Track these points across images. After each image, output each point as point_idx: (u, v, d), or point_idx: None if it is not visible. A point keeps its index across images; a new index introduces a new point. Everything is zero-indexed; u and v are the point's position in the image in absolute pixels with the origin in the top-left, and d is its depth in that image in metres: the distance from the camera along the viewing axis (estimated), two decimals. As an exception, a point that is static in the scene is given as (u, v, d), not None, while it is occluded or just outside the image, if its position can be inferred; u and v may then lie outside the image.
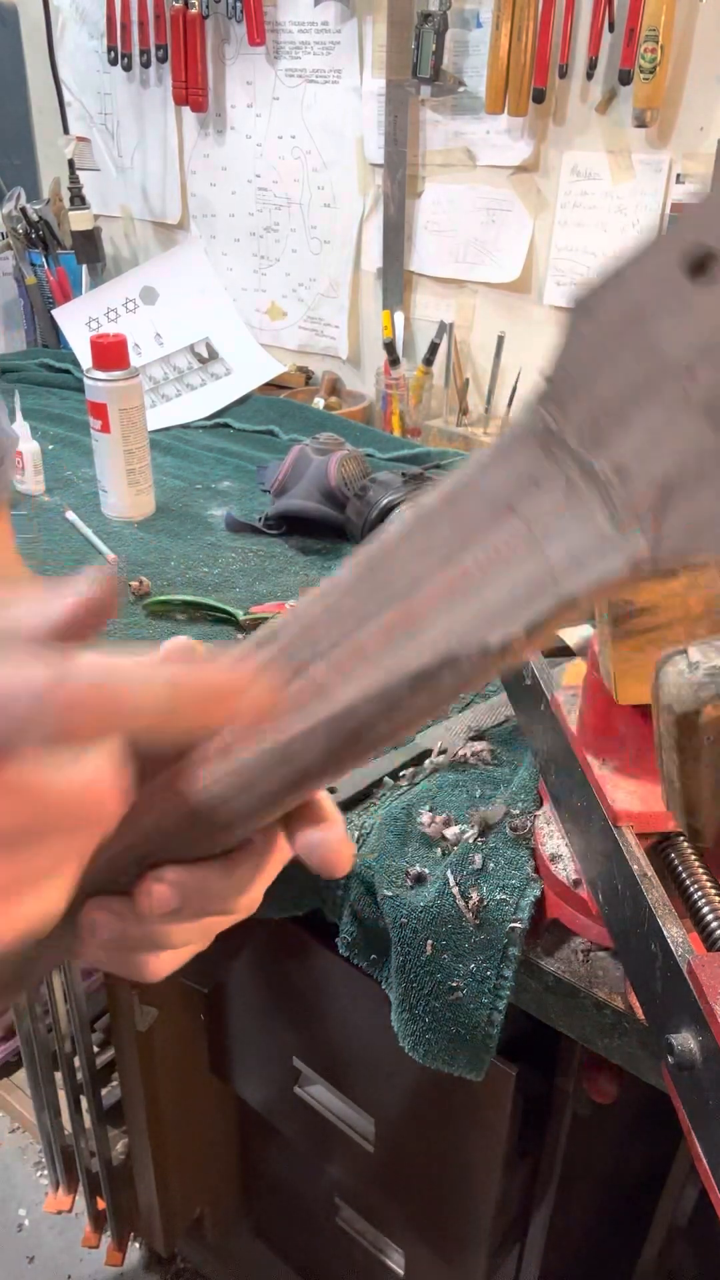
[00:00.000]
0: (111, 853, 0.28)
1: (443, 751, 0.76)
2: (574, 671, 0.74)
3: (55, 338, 1.77)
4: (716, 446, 0.24)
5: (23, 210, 1.74)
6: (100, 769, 0.24)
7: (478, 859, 0.64)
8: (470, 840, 0.66)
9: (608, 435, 0.25)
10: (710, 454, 0.24)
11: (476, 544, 0.26)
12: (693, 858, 0.52)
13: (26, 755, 0.22)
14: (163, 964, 0.32)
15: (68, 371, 1.70)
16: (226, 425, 1.55)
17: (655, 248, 0.24)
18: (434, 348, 1.48)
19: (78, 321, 1.68)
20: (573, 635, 0.73)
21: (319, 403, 1.60)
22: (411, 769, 0.76)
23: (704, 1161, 0.41)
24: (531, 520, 0.26)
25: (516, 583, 0.26)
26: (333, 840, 0.31)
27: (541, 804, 0.69)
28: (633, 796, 0.53)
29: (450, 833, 0.68)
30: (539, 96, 1.27)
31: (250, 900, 0.31)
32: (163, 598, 1.00)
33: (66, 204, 1.73)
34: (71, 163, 1.72)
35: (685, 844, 0.53)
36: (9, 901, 0.25)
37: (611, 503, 0.25)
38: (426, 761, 0.76)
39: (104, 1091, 1.34)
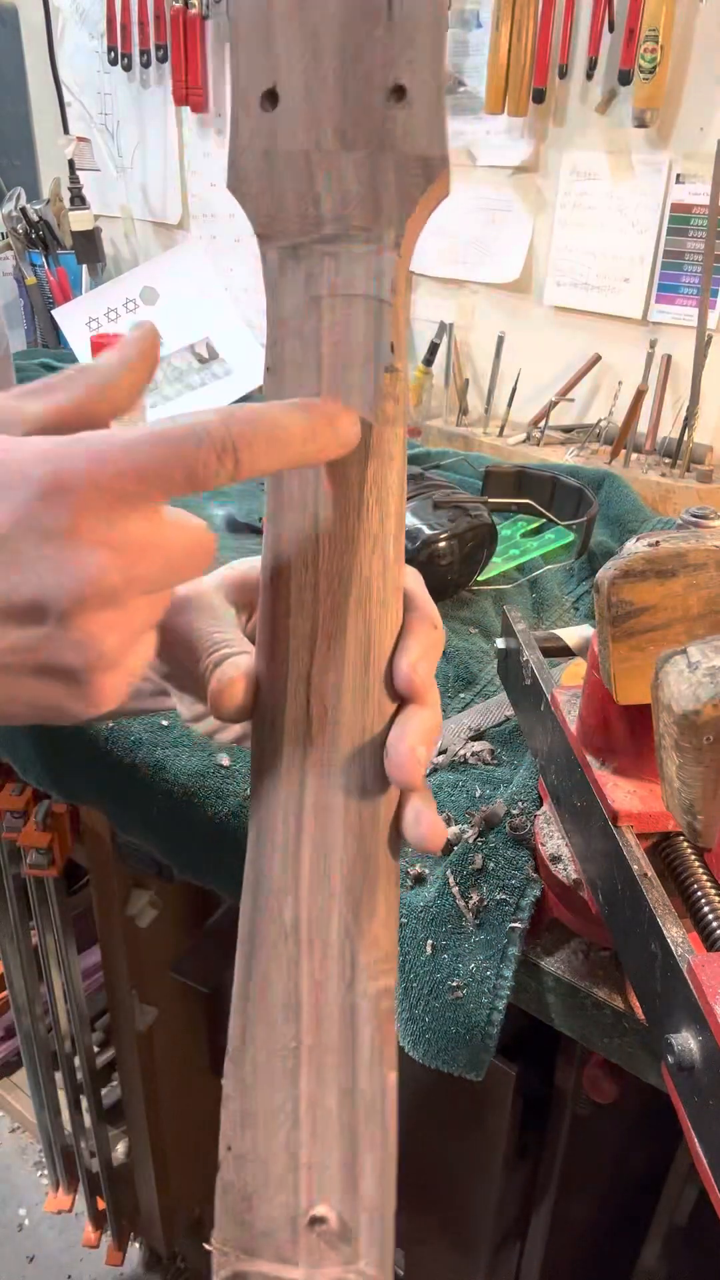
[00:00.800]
0: None
1: (443, 751, 0.76)
2: (574, 671, 0.74)
3: (55, 338, 1.77)
4: None
5: (23, 210, 1.74)
6: (201, 526, 0.31)
7: (478, 859, 0.64)
8: (470, 840, 0.66)
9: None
10: None
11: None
12: (693, 858, 0.52)
13: (161, 512, 0.29)
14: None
15: (68, 371, 1.70)
16: (226, 425, 1.55)
17: None
18: (434, 348, 1.48)
19: (78, 322, 1.67)
20: (573, 635, 0.73)
21: (319, 403, 1.59)
22: (411, 769, 0.76)
23: (704, 1161, 0.41)
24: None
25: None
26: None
27: (541, 804, 0.69)
28: (633, 796, 0.53)
29: (450, 833, 0.68)
30: (539, 96, 1.27)
31: None
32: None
33: (66, 204, 1.73)
34: (71, 163, 1.72)
35: (685, 844, 0.53)
36: (144, 641, 0.31)
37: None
38: (426, 761, 0.76)
39: (104, 1091, 1.34)
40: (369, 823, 0.34)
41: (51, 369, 1.71)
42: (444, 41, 0.31)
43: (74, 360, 1.68)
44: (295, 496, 0.34)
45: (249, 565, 0.43)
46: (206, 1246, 0.33)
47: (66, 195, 1.73)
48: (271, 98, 0.32)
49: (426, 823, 0.34)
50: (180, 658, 0.39)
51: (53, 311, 1.72)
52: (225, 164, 0.33)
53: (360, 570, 0.33)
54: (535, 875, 0.63)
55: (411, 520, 0.96)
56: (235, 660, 0.36)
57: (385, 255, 0.32)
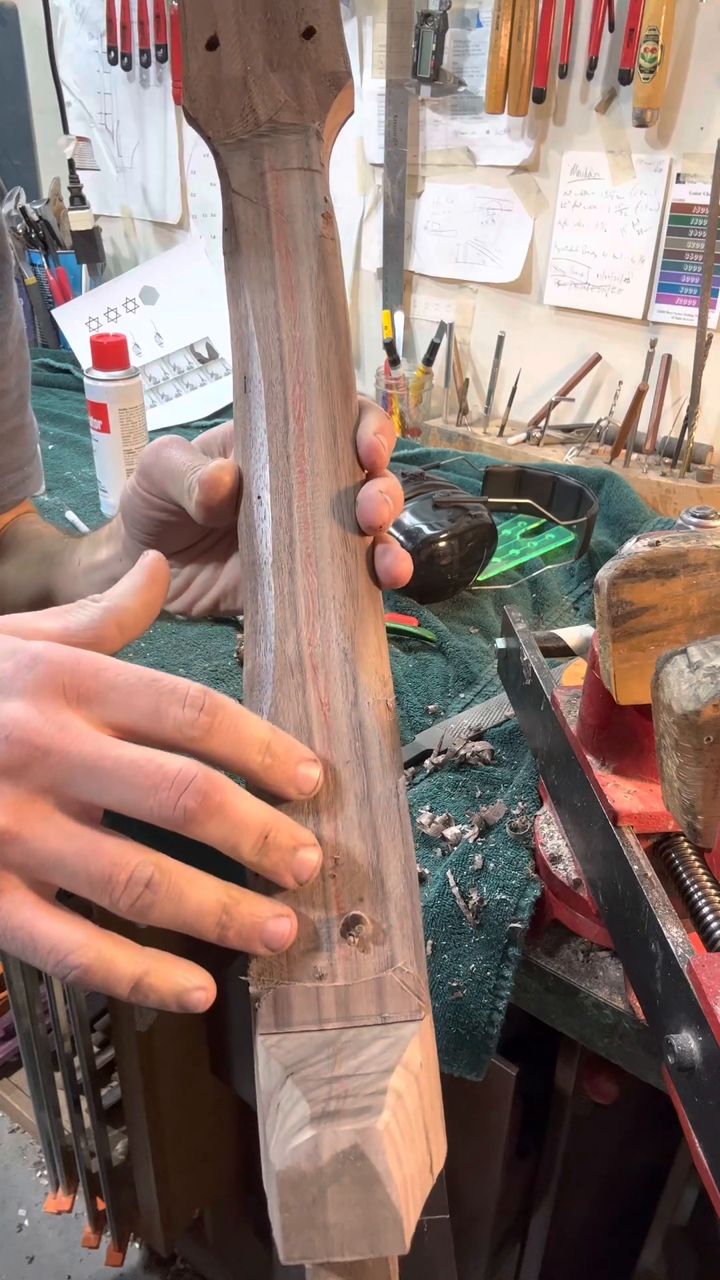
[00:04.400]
0: None
1: (443, 751, 0.76)
2: (574, 671, 0.74)
3: (55, 338, 1.77)
4: None
5: (23, 210, 1.74)
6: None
7: (478, 859, 0.64)
8: (470, 840, 0.66)
9: None
10: None
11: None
12: (693, 858, 0.52)
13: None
14: None
15: (68, 371, 1.70)
16: (226, 425, 1.55)
17: None
18: (434, 348, 1.48)
19: (78, 321, 1.67)
20: (573, 635, 0.73)
21: (319, 403, 1.59)
22: (411, 769, 0.76)
23: (704, 1161, 0.41)
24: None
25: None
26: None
27: (541, 804, 0.69)
28: (633, 796, 0.53)
29: (450, 833, 0.68)
30: (539, 96, 1.27)
31: None
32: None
33: (66, 204, 1.73)
34: (71, 163, 1.72)
35: (685, 844, 0.53)
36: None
37: None
38: (426, 761, 0.76)
39: (104, 1091, 1.34)
40: (352, 566, 0.39)
41: (52, 369, 1.71)
42: None
43: (74, 360, 1.68)
44: (258, 312, 0.42)
45: (220, 429, 0.49)
46: (242, 978, 0.33)
47: (66, 195, 1.73)
48: (212, 43, 0.44)
49: (391, 556, 0.40)
50: (168, 492, 0.46)
51: (52, 311, 1.72)
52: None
53: (320, 364, 0.41)
54: (535, 875, 0.63)
55: (412, 520, 0.96)
56: (218, 463, 0.42)
57: (311, 140, 0.43)
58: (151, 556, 0.36)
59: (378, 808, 0.35)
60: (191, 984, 0.31)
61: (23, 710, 0.30)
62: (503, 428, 1.42)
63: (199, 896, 0.30)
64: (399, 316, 1.52)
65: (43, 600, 0.65)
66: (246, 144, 0.43)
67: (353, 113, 0.46)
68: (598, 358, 1.36)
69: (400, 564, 0.39)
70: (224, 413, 1.58)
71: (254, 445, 0.41)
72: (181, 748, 0.31)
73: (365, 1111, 0.28)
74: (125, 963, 0.30)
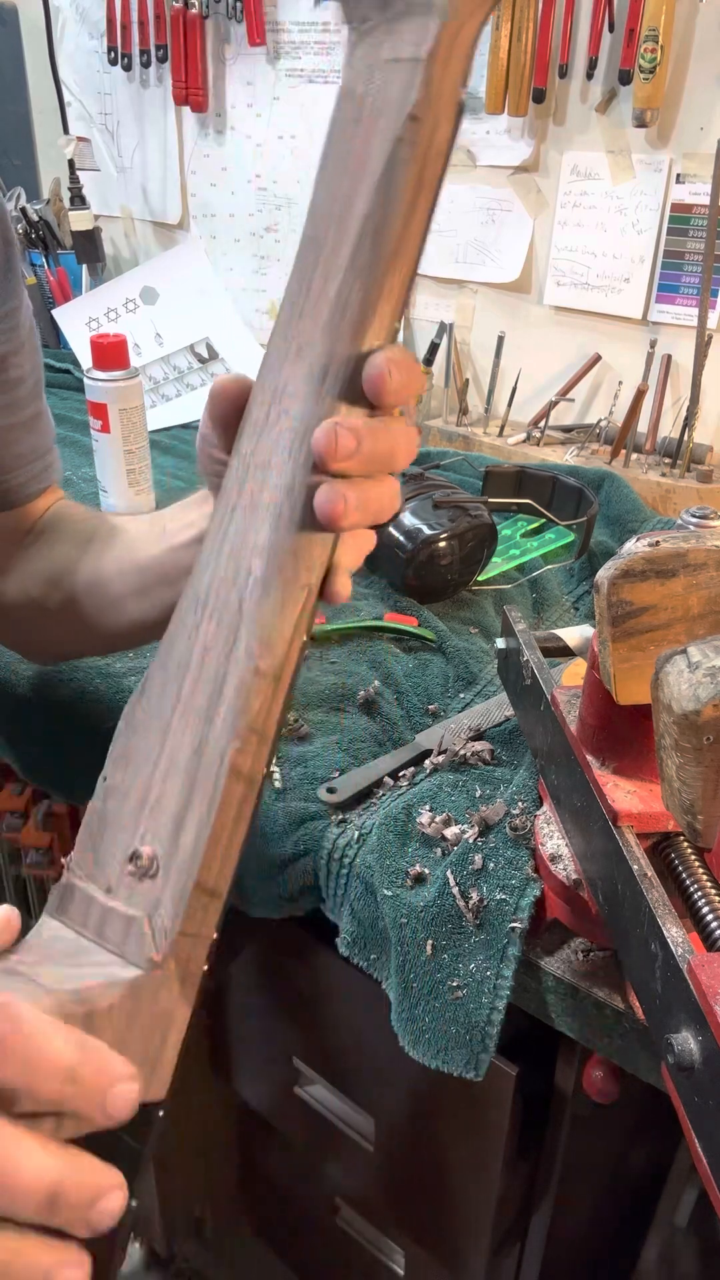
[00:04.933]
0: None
1: (443, 751, 0.76)
2: (574, 671, 0.74)
3: (55, 338, 1.77)
4: None
5: (23, 210, 1.74)
6: None
7: (478, 859, 0.64)
8: (470, 840, 0.66)
9: None
10: None
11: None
12: (693, 858, 0.52)
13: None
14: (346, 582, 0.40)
15: (68, 371, 1.70)
16: (226, 425, 1.55)
17: None
18: (434, 348, 1.48)
19: (78, 321, 1.67)
20: (573, 635, 0.74)
21: (319, 403, 1.59)
22: (411, 769, 0.76)
23: (704, 1161, 0.41)
24: None
25: None
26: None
27: (541, 804, 0.69)
28: (633, 796, 0.53)
29: (450, 833, 0.68)
30: (539, 96, 1.27)
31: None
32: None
33: (66, 204, 1.73)
34: (71, 163, 1.72)
35: (685, 844, 0.53)
36: None
37: None
38: (426, 761, 0.76)
39: (104, 1091, 1.34)
40: (287, 512, 0.37)
41: (52, 369, 1.71)
42: None
43: (74, 360, 1.68)
44: (311, 231, 0.37)
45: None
46: (62, 861, 0.36)
47: (66, 195, 1.73)
48: None
49: (324, 494, 0.36)
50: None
51: (53, 311, 1.72)
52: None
53: (340, 293, 0.36)
54: (535, 875, 0.63)
55: (412, 520, 0.96)
56: (227, 374, 0.42)
57: (430, 21, 0.35)
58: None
59: (203, 761, 0.35)
60: (98, 1193, 0.30)
61: None
62: (503, 428, 1.42)
63: (11, 1173, 0.28)
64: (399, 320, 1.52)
65: (93, 581, 0.66)
66: (373, 32, 0.37)
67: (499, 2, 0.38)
68: (598, 358, 1.36)
69: (333, 504, 0.36)
70: (224, 413, 1.58)
71: (261, 369, 0.39)
72: None
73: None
74: (23, 1164, 0.28)
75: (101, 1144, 0.31)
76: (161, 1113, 0.34)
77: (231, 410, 0.40)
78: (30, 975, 0.31)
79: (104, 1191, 0.30)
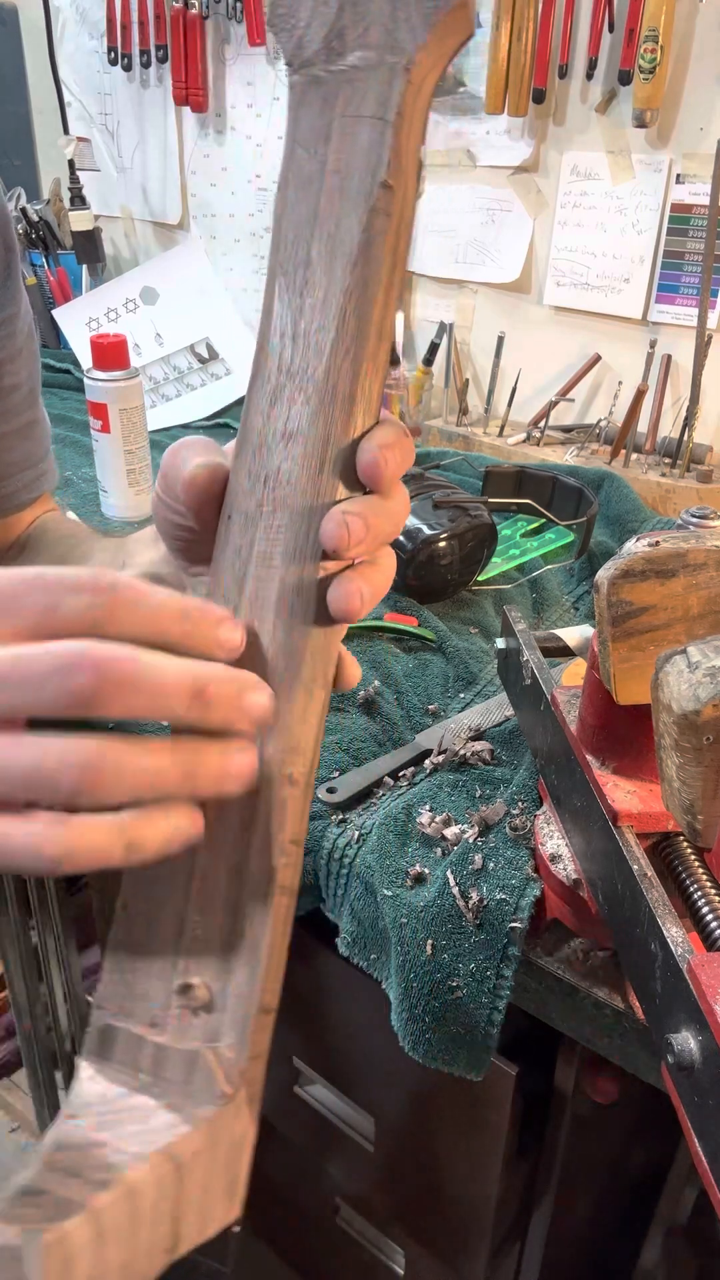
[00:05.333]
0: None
1: (443, 751, 0.76)
2: (574, 671, 0.74)
3: (55, 338, 1.77)
4: None
5: (23, 210, 1.74)
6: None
7: (478, 859, 0.64)
8: (470, 840, 0.66)
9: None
10: None
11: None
12: (693, 858, 0.52)
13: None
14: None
15: (68, 371, 1.70)
16: (227, 425, 1.56)
17: None
18: (434, 348, 1.48)
19: (78, 322, 1.68)
20: (573, 635, 0.74)
21: (319, 403, 1.59)
22: (411, 769, 0.76)
23: (704, 1161, 0.41)
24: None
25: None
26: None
27: (541, 804, 0.69)
28: (633, 796, 0.53)
29: (450, 833, 0.68)
30: (539, 96, 1.27)
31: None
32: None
33: (66, 204, 1.73)
34: (71, 163, 1.72)
35: (685, 844, 0.53)
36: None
37: None
38: (426, 761, 0.76)
39: (104, 1091, 1.34)
40: (299, 612, 0.35)
41: (52, 369, 1.71)
42: None
43: (74, 360, 1.68)
44: (281, 296, 0.36)
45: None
46: (88, 998, 0.34)
47: (66, 195, 1.73)
48: None
49: (341, 590, 0.34)
50: (178, 495, 0.40)
51: (53, 312, 1.72)
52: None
53: (329, 372, 0.35)
54: (535, 875, 0.63)
55: (411, 520, 0.96)
56: (197, 461, 0.38)
57: (395, 81, 0.33)
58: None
59: (248, 885, 0.33)
60: (178, 821, 0.31)
61: None
62: (503, 428, 1.42)
63: (159, 678, 0.29)
64: (399, 316, 1.52)
65: None
66: (324, 82, 0.34)
67: (470, 38, 0.35)
68: (597, 358, 1.36)
69: (348, 599, 0.34)
70: (225, 413, 1.59)
71: (240, 455, 0.37)
72: (90, 636, 0.29)
73: (60, 1208, 0.27)
74: (103, 831, 0.29)
75: (184, 1268, 0.30)
76: (237, 1229, 0.33)
77: (207, 500, 0.38)
78: (114, 1145, 0.29)
79: (247, 684, 0.31)
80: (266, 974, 0.33)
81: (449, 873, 0.64)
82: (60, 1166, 0.28)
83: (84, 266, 1.77)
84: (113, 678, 0.28)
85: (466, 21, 0.34)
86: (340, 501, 0.35)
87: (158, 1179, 0.29)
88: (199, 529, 0.39)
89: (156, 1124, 0.30)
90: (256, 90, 1.60)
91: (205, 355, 1.64)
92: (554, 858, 0.61)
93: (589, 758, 0.57)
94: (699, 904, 0.49)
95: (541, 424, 1.38)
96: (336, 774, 0.75)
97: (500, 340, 1.42)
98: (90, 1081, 0.32)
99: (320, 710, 0.36)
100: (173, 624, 0.30)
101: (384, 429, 0.36)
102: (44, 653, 0.28)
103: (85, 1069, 0.32)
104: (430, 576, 0.96)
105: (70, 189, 1.71)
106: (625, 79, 1.20)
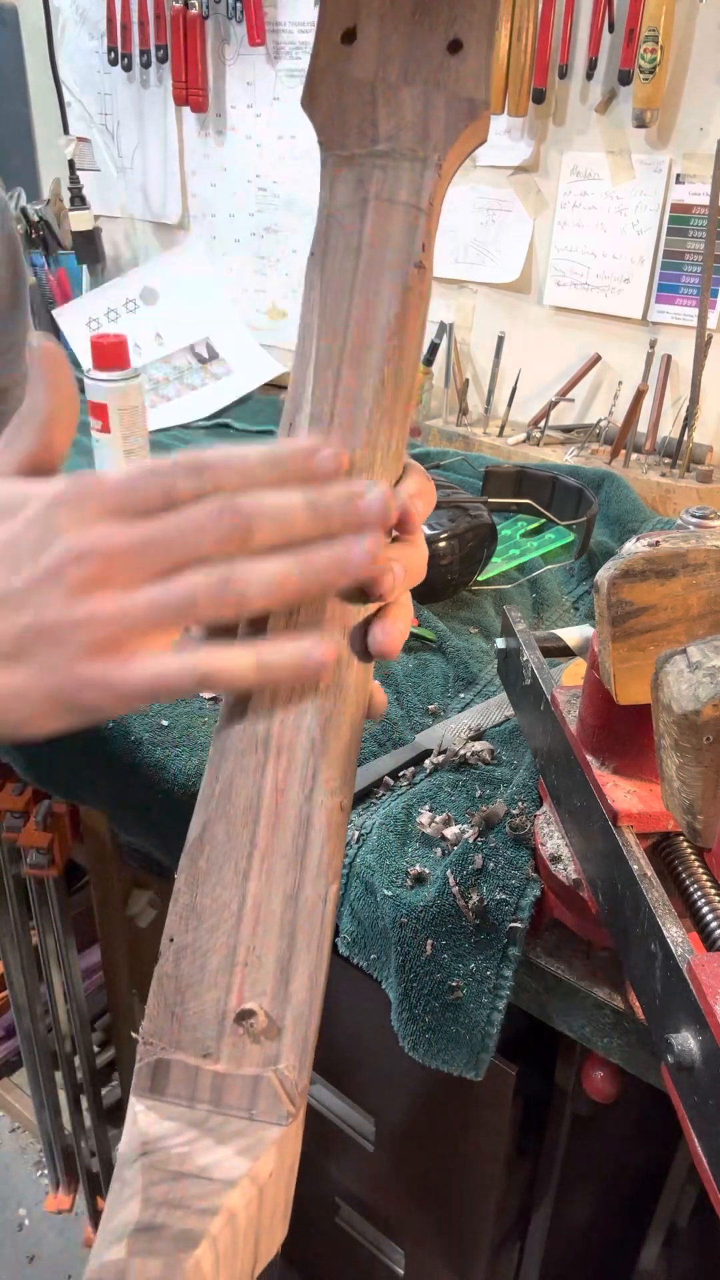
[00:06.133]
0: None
1: (443, 751, 0.76)
2: (574, 671, 0.74)
3: (55, 338, 1.77)
4: None
5: (23, 210, 1.74)
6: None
7: (478, 859, 0.64)
8: (470, 840, 0.66)
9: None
10: None
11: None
12: (693, 858, 0.52)
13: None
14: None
15: (68, 371, 1.70)
16: (227, 425, 1.56)
17: None
18: (434, 348, 1.48)
19: (78, 322, 1.68)
20: (573, 635, 0.74)
21: (319, 403, 1.59)
22: (411, 769, 0.76)
23: (704, 1161, 0.41)
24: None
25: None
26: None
27: (541, 804, 0.69)
28: (633, 796, 0.53)
29: (450, 833, 0.68)
30: (539, 97, 1.27)
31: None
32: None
33: (67, 204, 1.73)
34: (72, 163, 1.72)
35: (685, 844, 0.53)
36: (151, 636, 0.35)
37: None
38: (426, 761, 0.76)
39: (104, 1091, 1.34)
40: (343, 649, 0.37)
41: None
42: (499, 6, 0.39)
43: (75, 360, 1.68)
44: (320, 356, 0.39)
45: None
46: (134, 1035, 0.34)
47: (66, 195, 1.73)
48: (350, 35, 0.39)
49: (382, 627, 0.38)
50: None
51: (53, 312, 1.72)
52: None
53: (369, 429, 0.38)
54: (535, 875, 0.63)
55: (411, 520, 0.96)
56: None
57: (427, 173, 0.38)
58: (40, 345, 0.36)
59: (302, 909, 0.34)
60: (305, 646, 0.35)
61: (74, 538, 0.33)
62: (503, 428, 1.42)
63: (282, 506, 0.34)
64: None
65: None
66: (358, 161, 0.39)
67: (483, 143, 0.41)
68: (598, 358, 1.36)
69: (389, 638, 0.38)
70: (224, 413, 1.59)
71: None
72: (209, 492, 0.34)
73: (184, 1238, 0.28)
74: (238, 652, 0.34)
75: None
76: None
77: None
78: (202, 1174, 0.30)
79: (357, 489, 0.35)
80: (321, 992, 0.34)
81: (449, 873, 0.64)
82: (161, 1201, 0.29)
83: (84, 266, 1.77)
84: (249, 513, 0.33)
85: (485, 129, 0.39)
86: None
87: (247, 1202, 0.30)
88: None
89: (232, 1150, 0.31)
90: (256, 90, 1.60)
91: (205, 355, 1.64)
92: (554, 858, 0.61)
93: (589, 758, 0.57)
94: (699, 904, 0.49)
95: (541, 424, 1.38)
96: (336, 774, 0.75)
97: (500, 340, 1.42)
98: (150, 1116, 0.32)
99: (359, 739, 0.38)
100: (266, 472, 0.34)
101: (411, 478, 0.40)
102: (199, 510, 0.33)
103: (139, 1106, 0.32)
104: (430, 576, 0.96)
105: (70, 189, 1.71)
106: (625, 79, 1.20)
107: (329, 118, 0.39)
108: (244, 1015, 0.33)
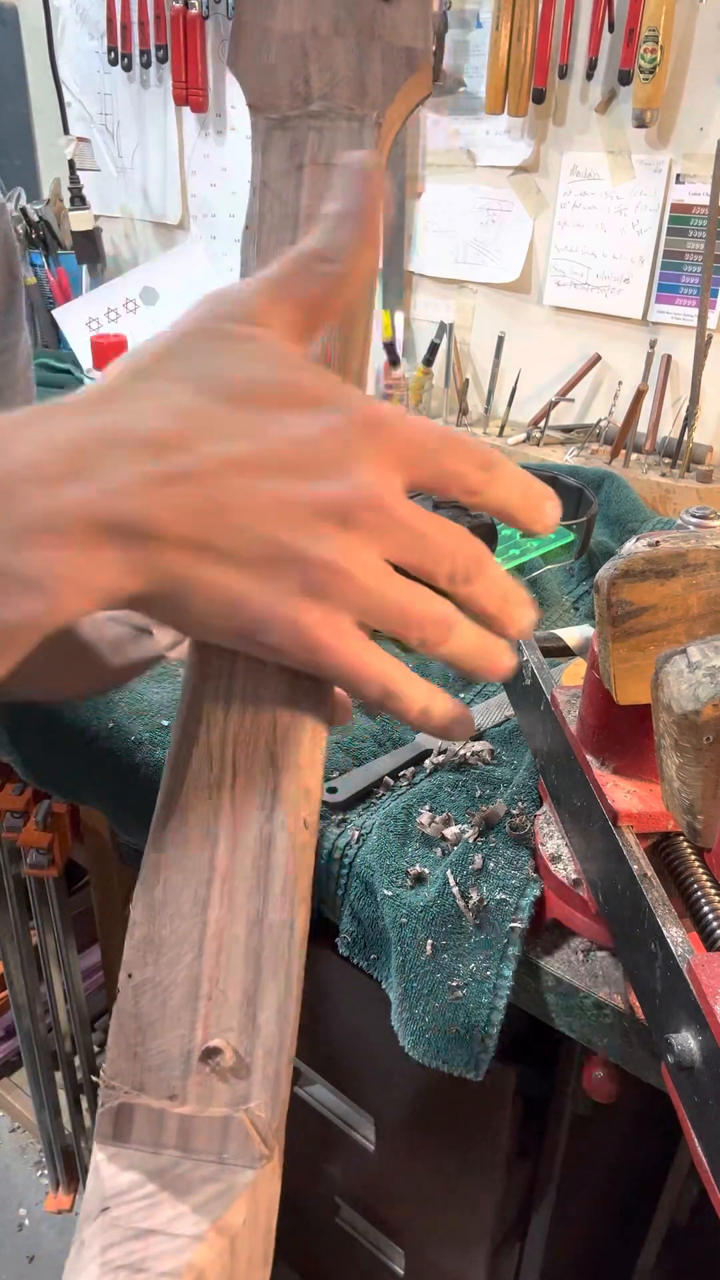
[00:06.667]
0: None
1: (443, 751, 0.76)
2: (574, 671, 0.74)
3: (55, 338, 1.77)
4: None
5: (23, 210, 1.74)
6: None
7: (478, 859, 0.64)
8: (470, 840, 0.66)
9: None
10: None
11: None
12: (693, 858, 0.52)
13: None
14: None
15: (68, 372, 1.70)
16: (226, 425, 1.55)
17: None
18: (434, 348, 1.48)
19: (78, 322, 1.67)
20: (573, 635, 0.74)
21: (319, 403, 1.60)
22: (411, 769, 0.76)
23: (704, 1161, 0.41)
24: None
25: None
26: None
27: (541, 804, 0.69)
28: (633, 796, 0.53)
29: (450, 833, 0.68)
30: (539, 97, 1.27)
31: None
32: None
33: (67, 204, 1.73)
34: (72, 163, 1.72)
35: (685, 844, 0.53)
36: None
37: None
38: (426, 761, 0.76)
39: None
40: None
41: (52, 370, 1.71)
42: None
43: (74, 360, 1.68)
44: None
45: None
46: (95, 1079, 0.33)
47: (66, 195, 1.73)
48: None
49: None
50: None
51: (53, 311, 1.72)
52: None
53: None
54: (535, 875, 0.63)
55: (411, 520, 0.96)
56: None
57: (366, 132, 0.35)
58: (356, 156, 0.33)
59: (268, 935, 0.32)
60: (457, 710, 0.34)
61: (378, 483, 0.30)
62: (503, 428, 1.42)
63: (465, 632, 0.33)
64: (399, 317, 1.52)
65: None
66: (290, 124, 0.36)
67: (427, 97, 0.37)
68: (597, 358, 1.36)
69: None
70: (224, 413, 1.58)
71: None
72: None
73: None
74: (419, 693, 0.33)
75: None
76: None
77: None
78: (166, 1230, 0.28)
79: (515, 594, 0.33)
80: (293, 1024, 0.32)
81: (449, 873, 0.64)
82: (120, 1264, 0.28)
83: (84, 266, 1.77)
84: (487, 565, 0.33)
85: (427, 81, 0.36)
86: None
87: (216, 1255, 0.28)
88: None
89: (199, 1199, 0.29)
90: (256, 90, 1.60)
91: (205, 355, 1.64)
92: (554, 858, 0.61)
93: (589, 758, 0.57)
94: (699, 904, 0.50)
95: (541, 424, 1.38)
96: (336, 774, 0.75)
97: (500, 340, 1.42)
98: (112, 1167, 0.30)
99: (323, 750, 0.35)
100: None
101: None
102: (463, 534, 0.32)
103: (101, 1155, 0.31)
104: (430, 576, 0.96)
105: (70, 189, 1.71)
106: (625, 79, 1.20)
107: (257, 77, 0.36)
108: (210, 1053, 0.31)
